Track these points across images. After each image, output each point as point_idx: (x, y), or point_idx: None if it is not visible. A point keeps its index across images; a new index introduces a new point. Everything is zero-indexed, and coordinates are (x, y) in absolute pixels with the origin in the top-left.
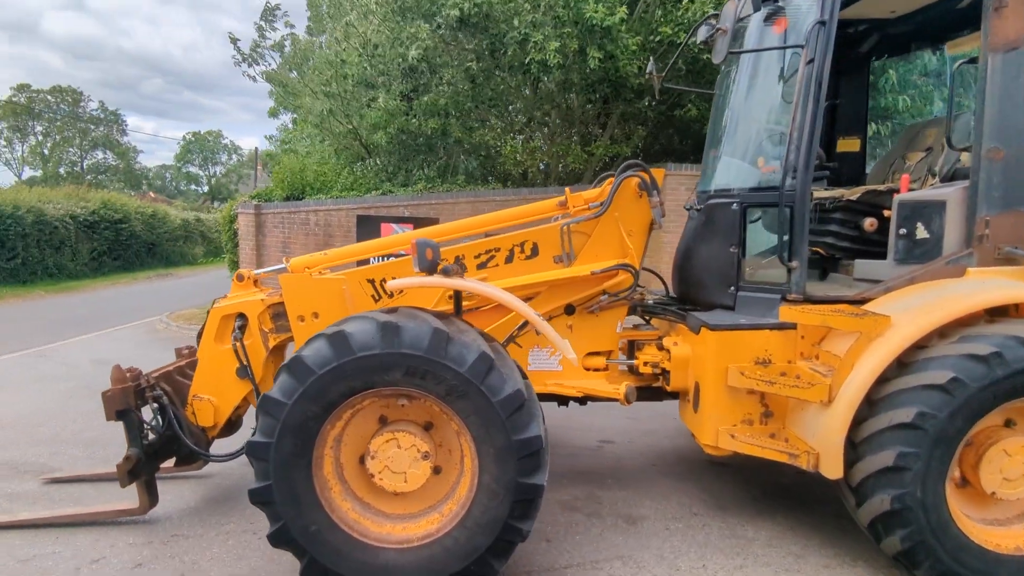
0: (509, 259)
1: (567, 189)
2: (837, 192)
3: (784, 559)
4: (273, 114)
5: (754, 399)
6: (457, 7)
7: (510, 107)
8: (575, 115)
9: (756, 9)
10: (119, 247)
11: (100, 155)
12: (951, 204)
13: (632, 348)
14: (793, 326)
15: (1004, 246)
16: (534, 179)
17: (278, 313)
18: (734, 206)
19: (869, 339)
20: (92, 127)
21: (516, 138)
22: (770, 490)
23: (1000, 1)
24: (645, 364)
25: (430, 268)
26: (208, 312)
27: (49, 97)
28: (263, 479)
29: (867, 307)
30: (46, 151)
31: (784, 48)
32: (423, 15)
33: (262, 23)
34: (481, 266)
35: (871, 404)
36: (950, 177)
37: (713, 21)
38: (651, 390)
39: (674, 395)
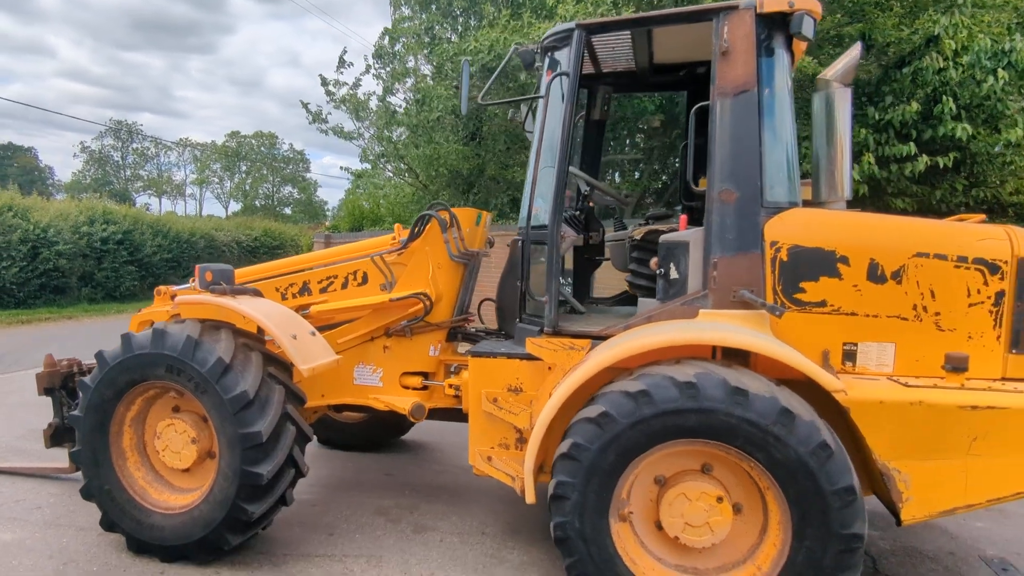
0: (344, 285)
1: (397, 225)
2: (633, 231)
3: None
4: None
5: (509, 424)
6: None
7: None
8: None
9: (527, 65)
10: None
11: (288, 190)
12: (692, 245)
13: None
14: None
15: (740, 289)
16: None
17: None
18: (520, 243)
19: (563, 372)
20: (283, 166)
21: None
22: None
23: (724, 46)
24: (450, 387)
25: (205, 287)
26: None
27: (252, 141)
28: (79, 444)
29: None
30: (248, 187)
31: (526, 99)
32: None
33: (332, 81)
34: (323, 290)
35: (566, 434)
36: None
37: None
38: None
39: None
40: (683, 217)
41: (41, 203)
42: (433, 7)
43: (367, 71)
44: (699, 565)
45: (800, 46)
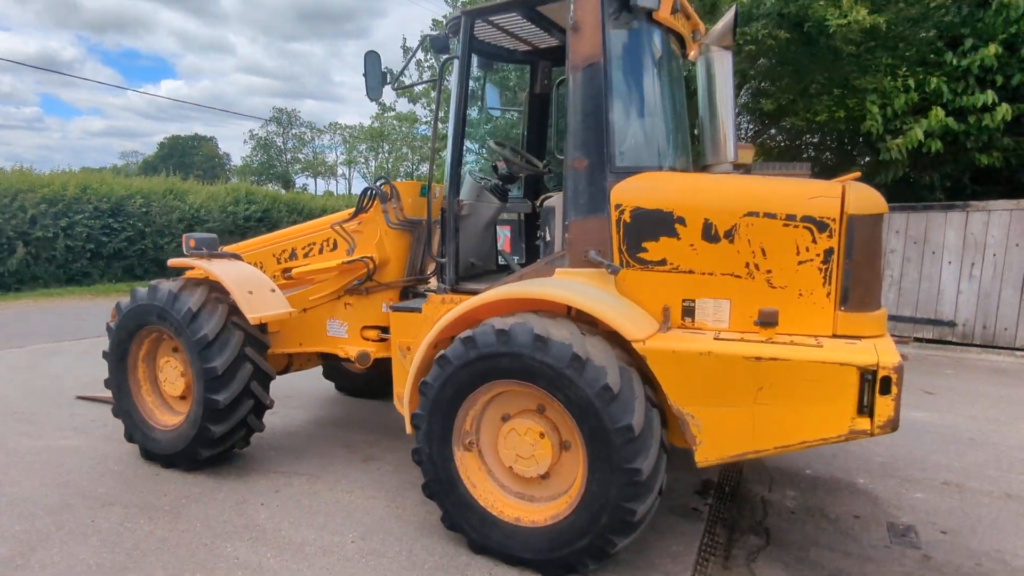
0: (321, 251)
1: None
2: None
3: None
4: None
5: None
6: None
7: None
8: None
9: (439, 49)
10: None
11: (425, 167)
12: (557, 210)
13: None
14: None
15: (590, 250)
16: None
17: None
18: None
19: (433, 321)
20: (421, 144)
21: None
22: None
23: (575, 24)
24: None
25: (189, 252)
26: None
27: (394, 122)
28: (109, 375)
29: None
30: (389, 166)
31: (428, 83)
32: None
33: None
34: (306, 255)
35: None
36: None
37: None
38: None
39: None
40: None
41: (196, 186)
42: None
43: (419, 66)
44: (535, 494)
45: (664, 12)
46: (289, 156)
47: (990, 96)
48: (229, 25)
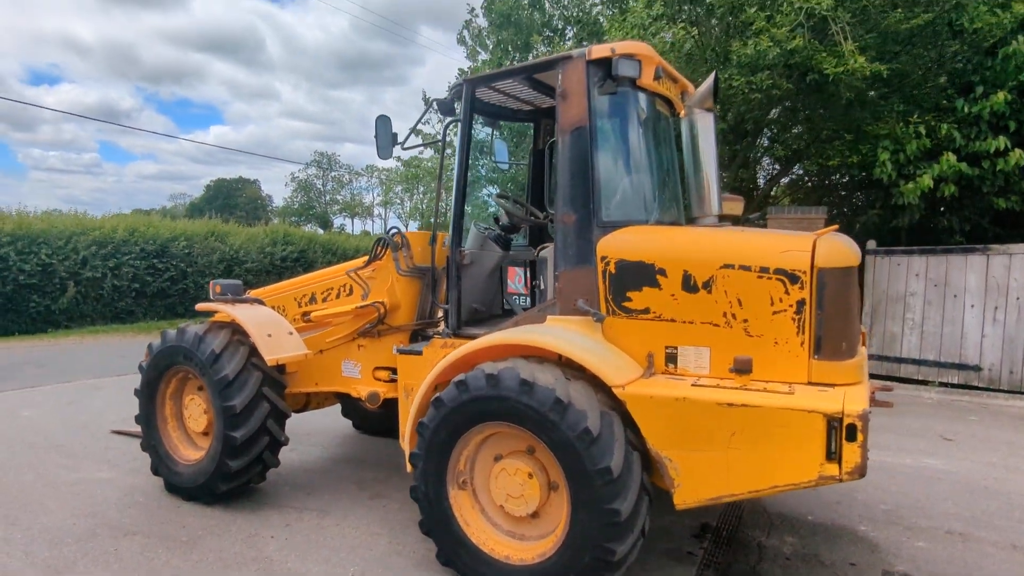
0: (338, 295)
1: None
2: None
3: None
4: None
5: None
6: None
7: None
8: None
9: (446, 112)
10: None
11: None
12: (549, 261)
13: None
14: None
15: (579, 299)
16: None
17: None
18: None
19: (432, 364)
20: (452, 186)
21: None
22: None
23: (560, 90)
24: None
25: (216, 297)
26: None
27: (429, 164)
28: (140, 411)
29: None
30: (424, 206)
31: (433, 143)
32: None
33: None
34: (324, 299)
35: None
36: None
37: None
38: None
39: None
40: None
41: (236, 228)
42: (514, 51)
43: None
44: (525, 533)
45: (646, 79)
46: (328, 198)
47: (1002, 141)
48: (275, 73)
